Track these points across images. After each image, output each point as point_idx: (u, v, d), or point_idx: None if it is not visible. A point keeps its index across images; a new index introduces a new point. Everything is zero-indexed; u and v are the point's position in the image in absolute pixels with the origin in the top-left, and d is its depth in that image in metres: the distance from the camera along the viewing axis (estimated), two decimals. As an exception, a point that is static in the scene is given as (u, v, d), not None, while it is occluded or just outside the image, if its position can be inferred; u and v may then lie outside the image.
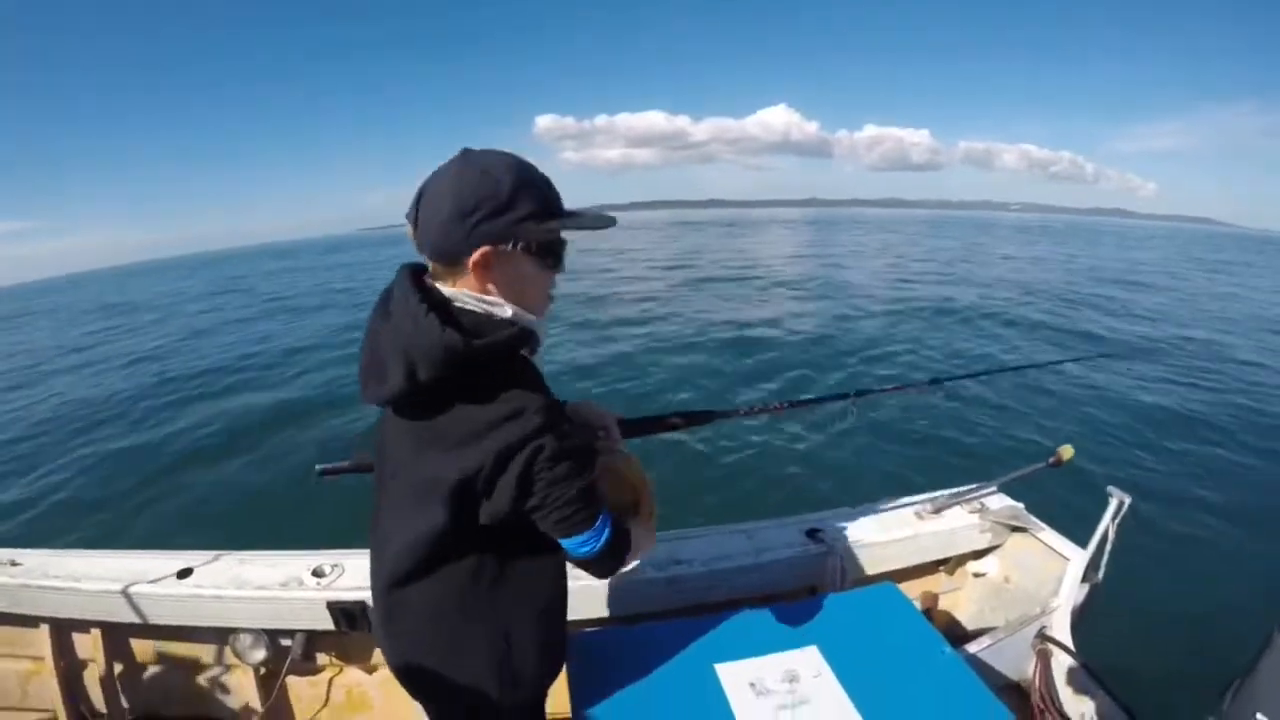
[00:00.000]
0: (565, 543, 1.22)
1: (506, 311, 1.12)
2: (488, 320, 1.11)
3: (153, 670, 2.40)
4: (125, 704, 2.41)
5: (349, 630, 2.12)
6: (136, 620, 2.20)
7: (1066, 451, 2.45)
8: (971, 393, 7.82)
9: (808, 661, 1.67)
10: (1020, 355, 10.91)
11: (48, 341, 20.88)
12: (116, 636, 2.34)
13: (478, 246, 1.07)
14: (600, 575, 1.32)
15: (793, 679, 1.62)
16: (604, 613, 2.10)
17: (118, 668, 2.39)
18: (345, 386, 9.54)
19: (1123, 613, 3.51)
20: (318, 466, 1.76)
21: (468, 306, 1.11)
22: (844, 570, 2.23)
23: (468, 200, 1.05)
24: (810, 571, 2.25)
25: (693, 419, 1.82)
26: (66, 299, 49.92)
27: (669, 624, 1.79)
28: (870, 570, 2.33)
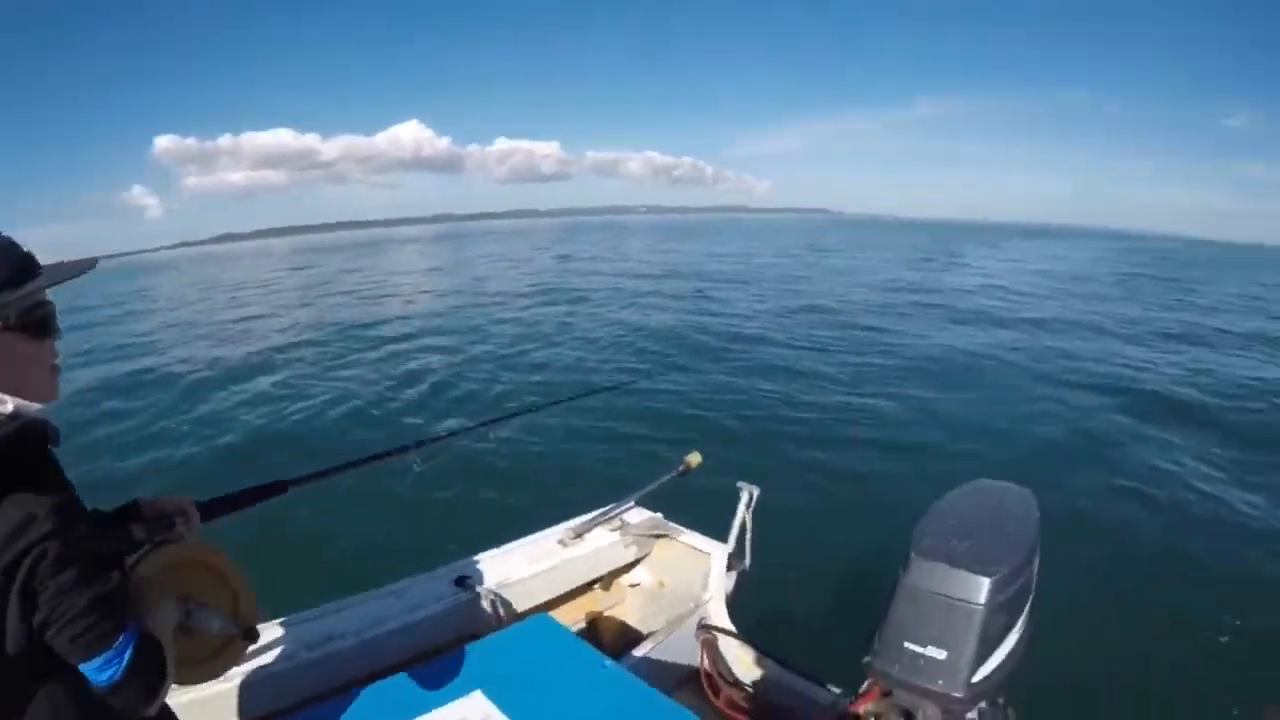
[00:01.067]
0: (84, 669, 1.02)
1: (7, 406, 0.99)
2: None
3: None
4: None
5: None
6: None
7: (694, 459, 2.73)
8: (595, 409, 8.06)
9: (475, 708, 1.68)
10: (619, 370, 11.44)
11: None
12: None
13: None
14: (130, 710, 1.08)
15: None
16: (264, 710, 1.91)
17: None
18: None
19: (778, 587, 3.94)
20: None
21: None
22: (499, 611, 2.28)
23: None
24: (465, 619, 2.26)
25: (268, 491, 1.70)
26: None
27: (326, 705, 1.70)
28: (525, 605, 2.39)
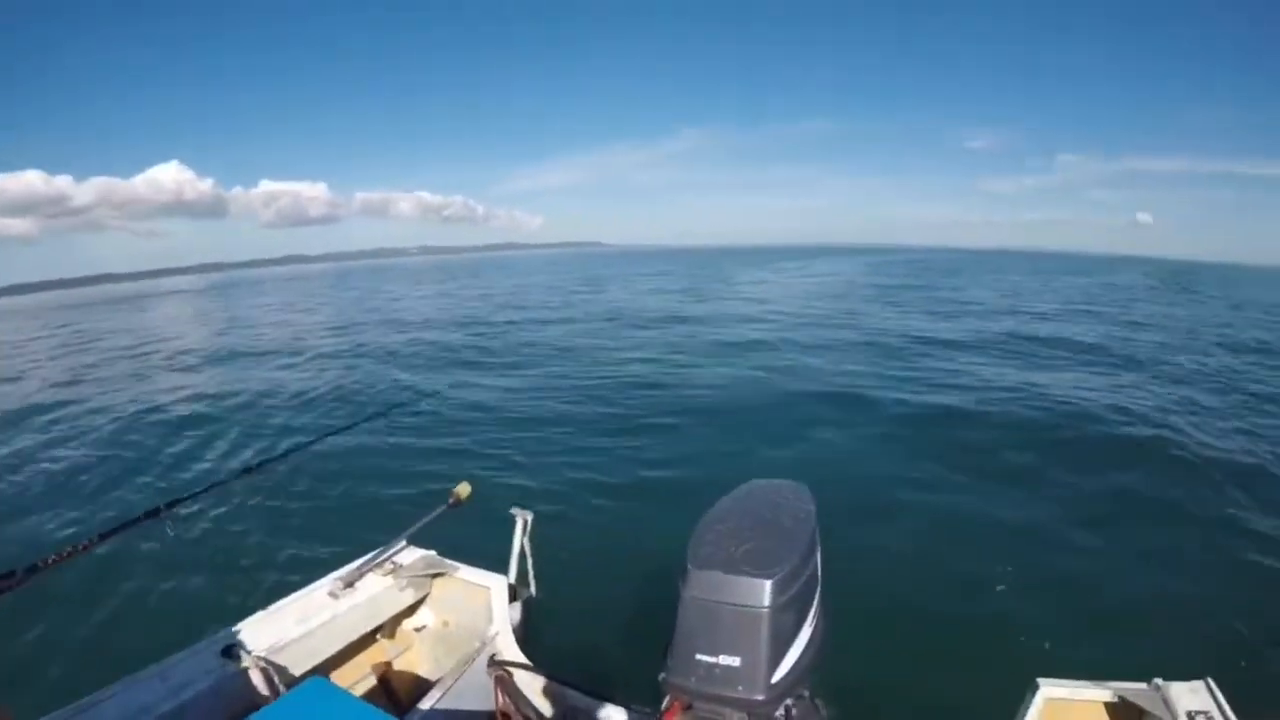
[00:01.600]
0: None
1: None
2: None
3: None
4: None
5: None
6: None
7: (464, 489, 2.66)
8: (355, 448, 7.86)
9: None
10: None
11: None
12: None
13: None
14: None
15: None
16: None
17: None
18: None
19: (569, 613, 3.90)
20: None
21: None
22: (273, 680, 2.12)
23: None
24: (237, 693, 2.09)
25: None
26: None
27: None
28: (302, 668, 2.24)
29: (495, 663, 2.48)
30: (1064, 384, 12.06)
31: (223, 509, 6.40)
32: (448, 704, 2.30)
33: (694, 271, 54.76)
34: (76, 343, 25.78)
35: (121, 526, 1.97)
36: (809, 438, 9.03)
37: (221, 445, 9.48)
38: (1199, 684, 1.90)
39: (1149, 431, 9.30)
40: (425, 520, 2.72)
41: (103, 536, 1.89)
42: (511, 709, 2.45)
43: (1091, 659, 4.01)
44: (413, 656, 2.80)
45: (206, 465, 8.69)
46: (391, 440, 8.42)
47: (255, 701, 1.93)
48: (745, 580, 1.82)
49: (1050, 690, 1.98)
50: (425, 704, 2.25)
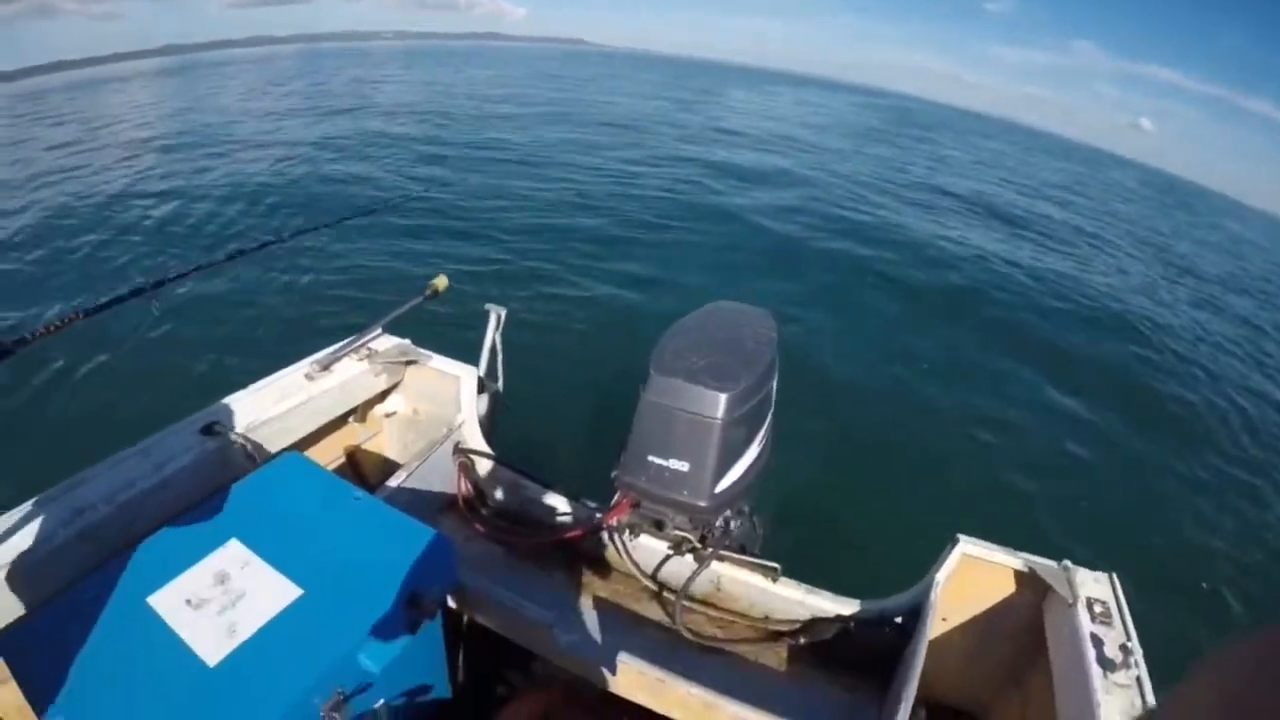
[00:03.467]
0: None
1: None
2: None
3: None
4: None
5: None
6: None
7: (441, 282, 2.71)
8: (317, 247, 7.86)
9: (232, 556, 1.69)
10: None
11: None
12: None
13: None
14: None
15: (223, 579, 1.63)
16: (38, 598, 1.78)
17: None
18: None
19: (531, 409, 4.10)
20: None
21: None
22: (250, 455, 2.22)
23: None
24: (217, 468, 2.20)
25: None
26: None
27: (90, 580, 1.64)
28: (277, 446, 2.34)
29: (460, 450, 2.63)
30: (1041, 262, 12.28)
31: (205, 292, 6.51)
32: (412, 484, 2.44)
33: (684, 84, 52.47)
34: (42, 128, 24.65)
35: (108, 304, 1.98)
36: (801, 277, 9.14)
37: (202, 234, 9.40)
38: (1104, 575, 2.04)
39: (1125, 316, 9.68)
40: (401, 310, 2.76)
41: (88, 313, 1.91)
42: (471, 493, 2.64)
43: (1017, 532, 4.46)
44: (382, 440, 2.94)
45: (183, 251, 8.67)
46: (370, 235, 8.41)
47: (234, 474, 2.02)
48: (702, 390, 1.93)
49: (968, 547, 2.13)
50: (392, 483, 2.39)
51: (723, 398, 1.95)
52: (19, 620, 1.66)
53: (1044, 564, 2.07)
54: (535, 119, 21.88)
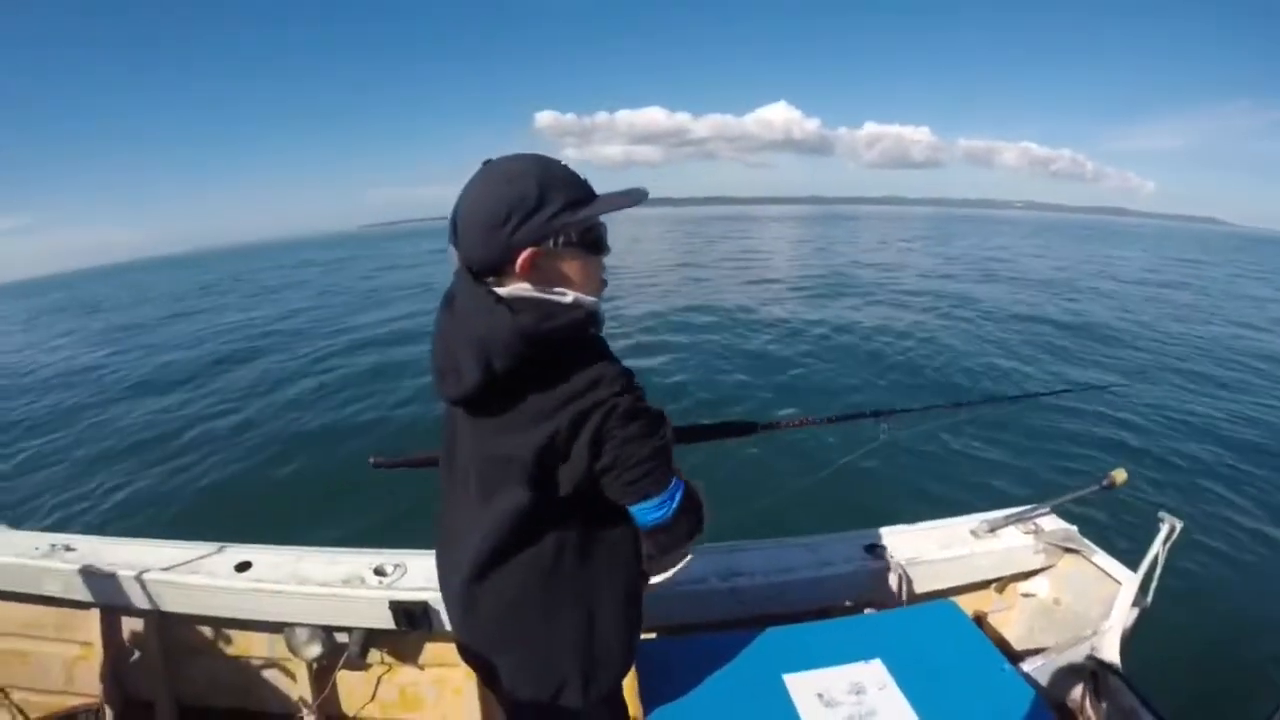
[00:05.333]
0: (636, 509, 1.20)
1: (568, 297, 1.13)
2: (551, 307, 1.11)
3: (202, 660, 2.42)
4: (172, 692, 2.43)
5: (409, 630, 2.14)
6: (192, 611, 2.25)
7: (1120, 475, 2.45)
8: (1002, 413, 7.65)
9: (872, 674, 1.69)
10: (1045, 373, 10.29)
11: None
12: (168, 625, 2.35)
13: (520, 251, 1.08)
14: (669, 546, 1.28)
15: (859, 690, 1.64)
16: (665, 621, 2.11)
17: (167, 656, 2.40)
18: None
19: (1166, 635, 3.51)
20: (371, 458, 1.80)
21: (531, 296, 1.11)
22: (903, 587, 2.25)
23: (499, 210, 1.07)
24: (869, 587, 2.27)
25: (736, 430, 1.87)
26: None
27: (734, 634, 1.81)
28: (925, 587, 2.35)
29: (1095, 659, 2.32)
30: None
31: (922, 430, 6.85)
32: (1035, 676, 2.19)
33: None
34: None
35: (848, 416, 2.25)
36: None
37: (933, 376, 9.93)
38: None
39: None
40: (1075, 494, 2.57)
41: (830, 420, 2.21)
42: (1091, 712, 2.31)
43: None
44: (1009, 617, 2.70)
45: (906, 385, 9.32)
46: (1046, 412, 7.91)
47: (884, 598, 2.07)
48: None
49: None
50: (1024, 667, 2.19)
51: None
52: (651, 633, 1.87)
53: None
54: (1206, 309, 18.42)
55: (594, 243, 1.16)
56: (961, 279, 21.43)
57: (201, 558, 2.30)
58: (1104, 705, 2.24)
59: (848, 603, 2.24)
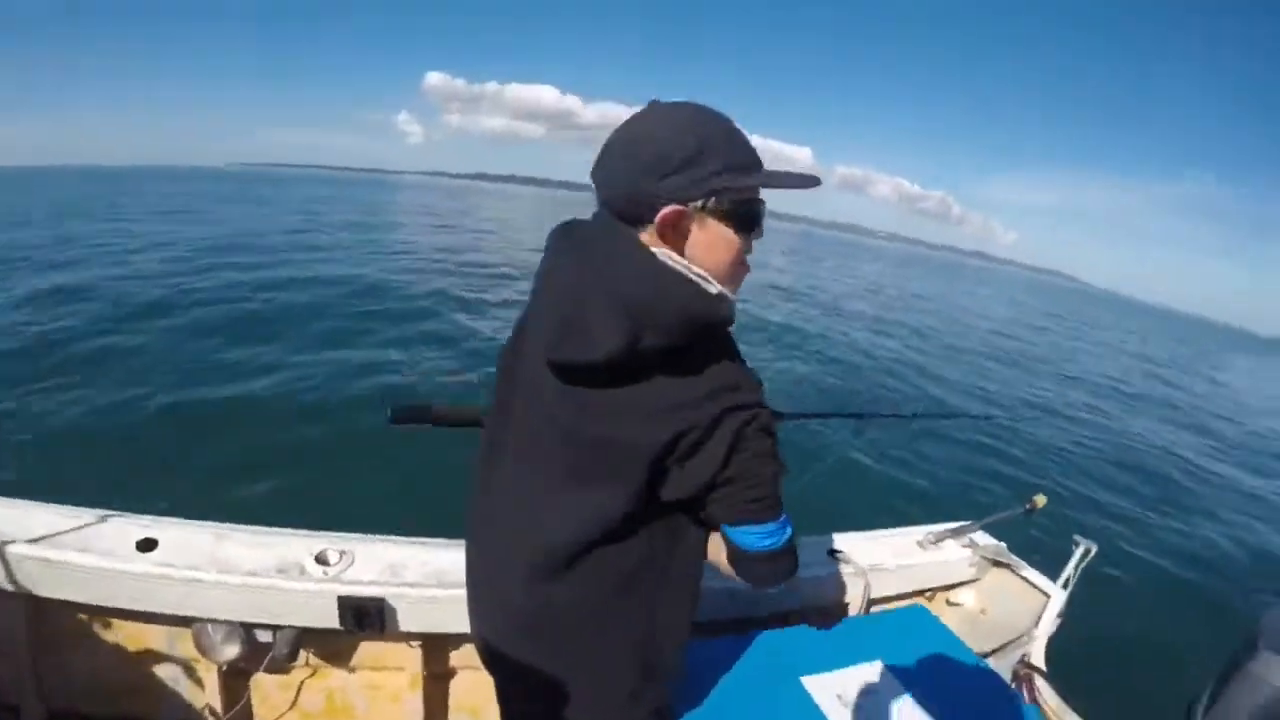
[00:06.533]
0: (743, 531, 1.05)
1: (713, 288, 0.98)
2: (700, 290, 0.96)
3: (82, 658, 1.93)
4: (42, 695, 1.94)
5: (355, 630, 1.81)
6: (73, 598, 1.76)
7: (1041, 499, 2.64)
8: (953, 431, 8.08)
9: (878, 674, 1.79)
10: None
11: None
12: (41, 612, 1.84)
13: (665, 204, 0.93)
14: (766, 578, 1.11)
15: (872, 690, 1.72)
16: None
17: (38, 651, 1.90)
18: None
19: (1086, 642, 3.72)
20: (389, 410, 1.53)
21: (680, 270, 0.96)
22: (867, 592, 2.35)
23: (653, 154, 0.92)
24: (837, 589, 2.34)
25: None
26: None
27: (739, 637, 1.83)
28: (879, 593, 2.44)
29: (1027, 664, 2.47)
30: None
31: (883, 436, 7.11)
32: None
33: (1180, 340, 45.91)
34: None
35: (830, 414, 2.44)
36: None
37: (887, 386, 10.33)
38: None
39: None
40: (1000, 516, 2.74)
41: (818, 415, 2.32)
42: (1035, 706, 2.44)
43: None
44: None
45: (872, 395, 9.58)
46: (965, 435, 8.25)
47: (850, 600, 2.16)
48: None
49: None
50: None
51: None
52: None
53: None
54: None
55: (748, 218, 0.99)
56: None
57: (84, 526, 1.82)
58: (1035, 705, 2.35)
59: (824, 606, 2.29)
